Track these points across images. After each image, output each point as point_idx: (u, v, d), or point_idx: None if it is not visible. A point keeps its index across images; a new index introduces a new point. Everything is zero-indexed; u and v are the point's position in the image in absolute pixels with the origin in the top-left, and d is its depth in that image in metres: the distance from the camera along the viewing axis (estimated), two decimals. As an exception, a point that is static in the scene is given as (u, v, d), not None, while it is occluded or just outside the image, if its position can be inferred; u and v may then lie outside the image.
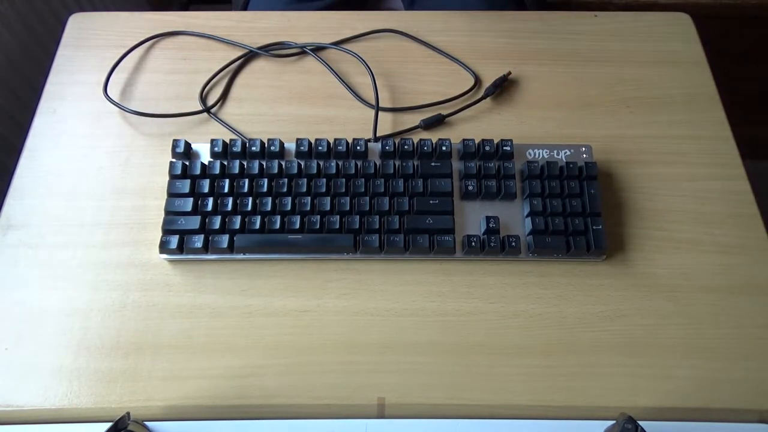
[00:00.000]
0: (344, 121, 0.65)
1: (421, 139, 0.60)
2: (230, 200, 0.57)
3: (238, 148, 0.60)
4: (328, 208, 0.57)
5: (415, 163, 0.59)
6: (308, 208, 0.57)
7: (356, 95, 0.67)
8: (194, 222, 0.56)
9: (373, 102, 0.65)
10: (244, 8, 0.89)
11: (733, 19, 1.01)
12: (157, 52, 0.71)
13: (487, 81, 0.68)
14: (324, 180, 0.58)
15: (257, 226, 0.56)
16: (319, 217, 0.56)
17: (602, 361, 0.52)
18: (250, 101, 0.67)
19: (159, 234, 0.56)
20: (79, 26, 0.72)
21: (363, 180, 0.58)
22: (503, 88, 0.67)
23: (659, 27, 0.72)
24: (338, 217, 0.56)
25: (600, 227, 0.56)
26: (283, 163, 0.59)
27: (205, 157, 0.61)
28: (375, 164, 0.59)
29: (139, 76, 0.69)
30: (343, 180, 0.58)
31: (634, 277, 0.56)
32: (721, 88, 0.67)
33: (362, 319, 0.54)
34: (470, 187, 0.58)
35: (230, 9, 0.91)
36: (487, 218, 0.56)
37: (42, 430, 0.49)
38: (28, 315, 0.54)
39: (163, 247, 0.55)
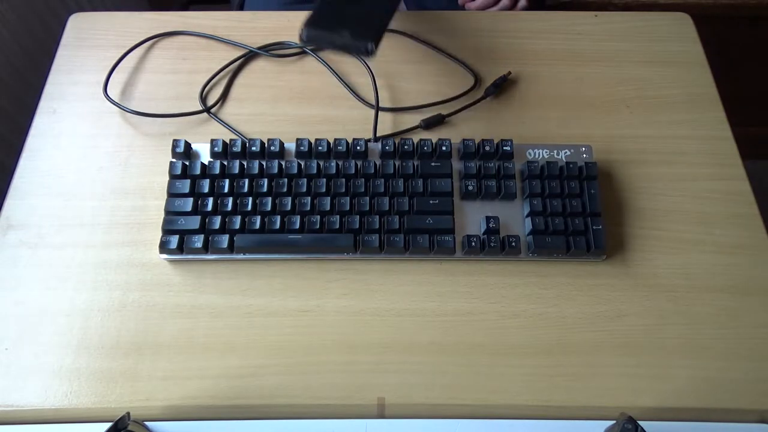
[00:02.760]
0: (344, 121, 0.65)
1: (421, 139, 0.60)
2: (230, 200, 0.57)
3: (238, 148, 0.60)
4: (328, 208, 0.57)
5: (415, 163, 0.59)
6: (308, 208, 0.57)
7: (356, 95, 0.67)
8: (194, 222, 0.56)
9: (373, 102, 0.65)
10: (241, 8, 0.89)
11: (733, 19, 1.01)
12: (157, 52, 0.71)
13: (487, 81, 0.68)
14: (324, 180, 0.58)
15: (257, 226, 0.56)
16: (319, 217, 0.56)
17: (602, 361, 0.52)
18: (250, 101, 0.67)
19: (159, 234, 0.56)
20: (79, 26, 0.72)
21: (363, 180, 0.58)
22: (503, 88, 0.67)
23: (659, 27, 0.72)
24: (338, 217, 0.56)
25: (600, 227, 0.56)
26: (283, 163, 0.59)
27: (205, 157, 0.61)
28: (375, 164, 0.59)
29: (139, 76, 0.69)
30: (343, 180, 0.58)
31: (634, 277, 0.56)
32: (721, 88, 0.67)
33: (362, 319, 0.54)
34: (470, 187, 0.58)
35: (230, 9, 0.91)
36: (487, 218, 0.56)
37: (42, 430, 0.49)
38: (28, 315, 0.54)
39: (163, 247, 0.55)
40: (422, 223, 0.56)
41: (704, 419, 0.50)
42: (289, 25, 0.73)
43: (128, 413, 0.46)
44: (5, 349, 0.52)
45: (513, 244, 0.55)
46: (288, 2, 0.85)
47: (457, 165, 0.60)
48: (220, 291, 0.55)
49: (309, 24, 0.54)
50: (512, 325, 0.54)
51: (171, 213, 0.57)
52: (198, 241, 0.55)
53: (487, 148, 0.60)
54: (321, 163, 0.59)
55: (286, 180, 0.58)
